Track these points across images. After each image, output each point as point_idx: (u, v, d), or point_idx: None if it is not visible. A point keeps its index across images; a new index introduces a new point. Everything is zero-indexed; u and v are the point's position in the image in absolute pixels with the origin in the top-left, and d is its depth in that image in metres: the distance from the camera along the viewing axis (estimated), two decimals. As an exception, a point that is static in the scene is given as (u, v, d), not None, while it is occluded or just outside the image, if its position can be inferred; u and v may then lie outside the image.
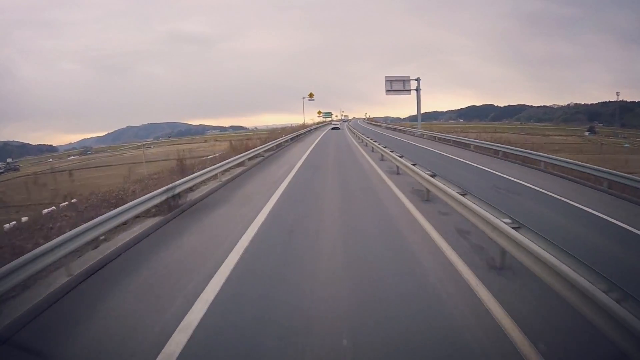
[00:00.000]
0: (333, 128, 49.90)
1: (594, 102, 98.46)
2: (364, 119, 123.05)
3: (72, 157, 79.04)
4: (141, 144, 68.09)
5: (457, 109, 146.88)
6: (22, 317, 3.41)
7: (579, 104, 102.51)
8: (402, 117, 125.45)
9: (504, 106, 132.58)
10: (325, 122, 69.28)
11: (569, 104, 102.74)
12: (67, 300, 3.82)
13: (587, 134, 49.11)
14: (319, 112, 64.02)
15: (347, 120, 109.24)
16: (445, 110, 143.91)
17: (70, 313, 3.54)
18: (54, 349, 2.97)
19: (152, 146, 61.25)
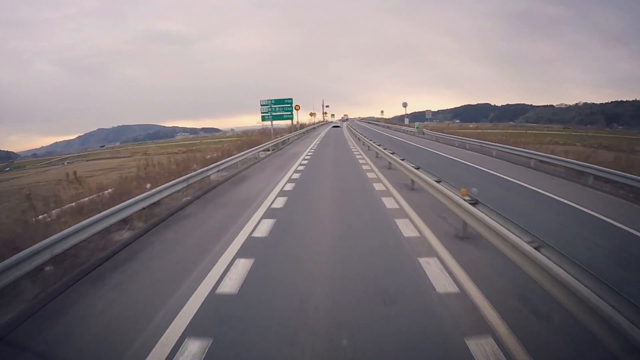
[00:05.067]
0: (334, 127, 49.57)
1: (607, 102, 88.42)
2: (360, 118, 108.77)
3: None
4: (65, 156, 52.59)
5: (450, 108, 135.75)
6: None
7: (588, 103, 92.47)
8: (387, 117, 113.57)
9: (502, 105, 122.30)
10: (266, 139, 22.33)
11: (577, 103, 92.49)
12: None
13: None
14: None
15: (346, 119, 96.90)
16: (436, 109, 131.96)
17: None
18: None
19: (71, 161, 45.81)
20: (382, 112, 65.44)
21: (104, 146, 46.83)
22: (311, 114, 56.61)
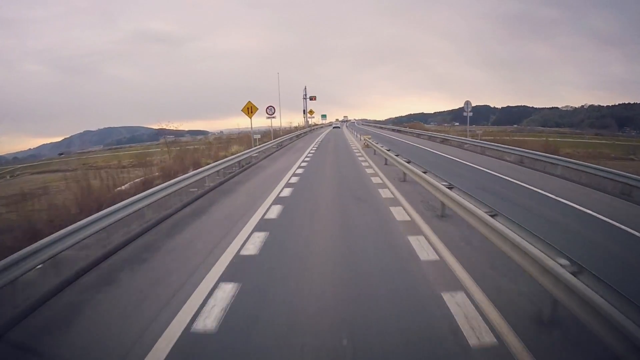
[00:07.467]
0: (334, 127, 50.19)
1: (614, 104, 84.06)
2: (355, 120, 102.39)
3: None
4: (17, 166, 45.71)
5: (448, 110, 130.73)
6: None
7: (595, 106, 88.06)
8: (380, 120, 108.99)
9: (503, 107, 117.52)
10: None
11: (583, 106, 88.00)
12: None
13: None
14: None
15: (346, 121, 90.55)
16: (432, 112, 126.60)
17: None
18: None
19: (17, 174, 39.10)
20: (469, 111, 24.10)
21: (62, 154, 40.71)
22: (259, 111, 20.35)
